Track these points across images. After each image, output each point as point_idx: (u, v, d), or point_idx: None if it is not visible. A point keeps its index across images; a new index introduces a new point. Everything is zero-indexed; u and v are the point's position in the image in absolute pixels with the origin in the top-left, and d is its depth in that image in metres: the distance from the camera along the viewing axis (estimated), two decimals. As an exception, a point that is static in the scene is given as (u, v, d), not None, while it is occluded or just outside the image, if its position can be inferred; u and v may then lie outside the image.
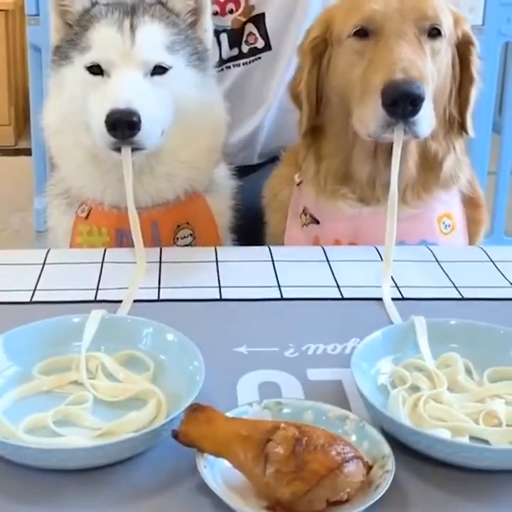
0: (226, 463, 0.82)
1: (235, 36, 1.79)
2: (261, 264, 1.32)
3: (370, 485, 0.80)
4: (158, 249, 1.34)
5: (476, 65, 1.39)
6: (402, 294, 1.21)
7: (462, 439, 0.87)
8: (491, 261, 1.33)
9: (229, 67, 1.80)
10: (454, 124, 1.40)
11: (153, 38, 1.34)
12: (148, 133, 1.27)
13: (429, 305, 1.18)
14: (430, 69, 1.29)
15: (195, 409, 0.84)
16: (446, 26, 1.33)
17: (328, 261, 1.31)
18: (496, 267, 1.31)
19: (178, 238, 1.43)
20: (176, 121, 1.35)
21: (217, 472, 0.81)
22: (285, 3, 1.76)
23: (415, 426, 0.88)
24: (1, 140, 4.33)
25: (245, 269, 1.30)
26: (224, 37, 1.78)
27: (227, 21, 1.78)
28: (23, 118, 4.33)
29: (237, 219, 1.54)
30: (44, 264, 1.30)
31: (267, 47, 1.81)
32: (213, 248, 1.37)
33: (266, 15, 1.78)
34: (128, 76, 1.30)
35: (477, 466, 0.84)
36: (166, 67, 1.33)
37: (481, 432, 0.88)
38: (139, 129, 1.25)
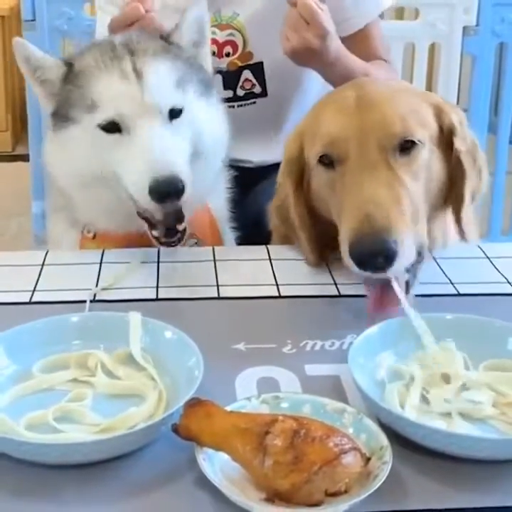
0: (225, 456, 0.82)
1: (230, 79, 1.77)
2: (259, 262, 1.32)
3: (368, 476, 0.81)
4: (156, 249, 1.34)
5: (465, 155, 1.23)
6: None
7: (459, 429, 0.88)
8: (487, 257, 1.34)
9: None
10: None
11: (161, 77, 1.26)
12: (188, 190, 1.22)
13: (426, 301, 1.18)
14: (411, 192, 1.15)
15: (194, 403, 0.85)
16: (423, 132, 1.18)
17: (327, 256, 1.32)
18: (492, 264, 1.32)
19: None
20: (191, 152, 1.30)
21: (216, 465, 0.82)
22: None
23: (412, 417, 0.89)
24: (-1, 146, 4.33)
25: (243, 268, 1.31)
26: (218, 78, 1.75)
27: (223, 64, 1.76)
28: (20, 124, 4.32)
29: (239, 217, 1.54)
30: (43, 265, 1.30)
31: (264, 93, 1.80)
32: (211, 248, 1.37)
33: (264, 63, 1.77)
34: (153, 131, 1.23)
35: (474, 456, 0.85)
36: (180, 108, 1.27)
37: (475, 422, 0.90)
38: (184, 193, 1.20)
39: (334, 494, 0.78)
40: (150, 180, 1.19)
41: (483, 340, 1.01)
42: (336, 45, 1.55)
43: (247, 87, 1.80)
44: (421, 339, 1.01)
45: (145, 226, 1.28)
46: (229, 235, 1.55)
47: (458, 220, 1.25)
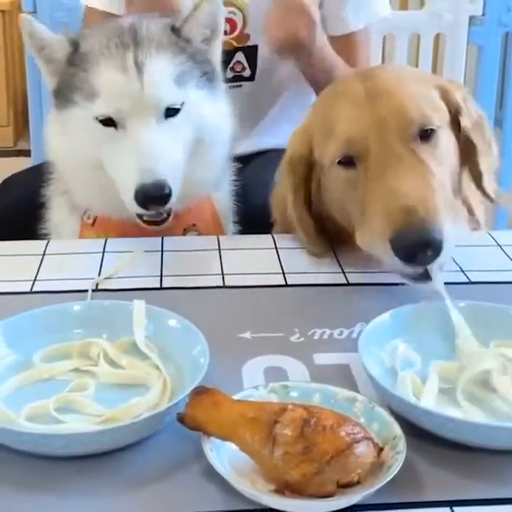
0: (233, 446, 0.79)
1: (222, 59, 1.75)
2: (264, 251, 1.29)
3: (381, 466, 0.78)
4: (160, 238, 1.32)
5: (472, 130, 1.21)
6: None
7: (474, 418, 0.85)
8: (498, 245, 1.31)
9: None
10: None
11: (161, 74, 1.24)
12: (176, 192, 1.22)
13: (437, 289, 1.16)
14: (439, 178, 1.12)
15: (200, 392, 0.82)
16: (438, 117, 1.16)
17: (332, 247, 1.29)
18: (503, 251, 1.29)
19: None
20: (192, 147, 1.29)
21: (223, 456, 0.79)
22: None
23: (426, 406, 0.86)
24: (0, 141, 4.30)
25: (249, 257, 1.28)
26: None
27: None
28: (22, 119, 4.30)
29: (241, 207, 1.52)
30: (44, 254, 1.27)
31: (251, 77, 1.77)
32: (216, 237, 1.35)
33: (259, 47, 1.74)
34: (146, 131, 1.21)
35: (490, 445, 0.82)
36: (179, 105, 1.25)
37: (491, 410, 0.87)
38: (170, 198, 1.21)
39: (346, 485, 0.75)
40: (136, 185, 1.19)
41: (498, 328, 0.98)
42: (320, 35, 1.56)
43: (237, 70, 1.76)
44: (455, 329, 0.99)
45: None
46: (232, 228, 1.52)
47: (482, 190, 1.24)
